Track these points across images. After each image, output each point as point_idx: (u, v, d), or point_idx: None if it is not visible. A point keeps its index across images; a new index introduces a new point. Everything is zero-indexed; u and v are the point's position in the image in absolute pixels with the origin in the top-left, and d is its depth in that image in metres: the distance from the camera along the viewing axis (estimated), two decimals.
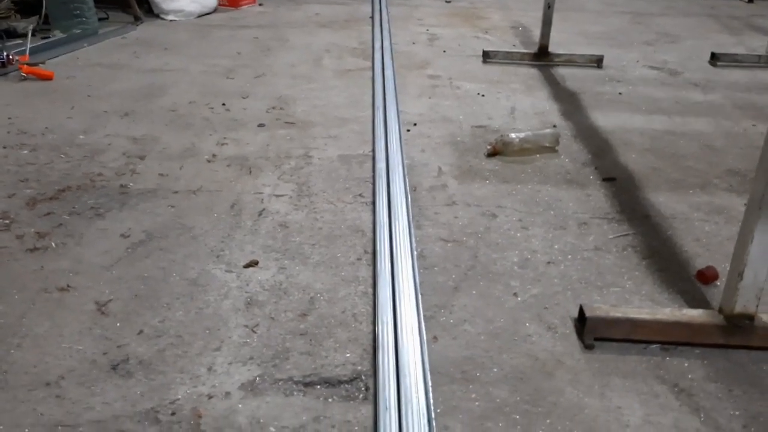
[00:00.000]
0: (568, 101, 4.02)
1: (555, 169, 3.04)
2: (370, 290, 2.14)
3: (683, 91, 4.30)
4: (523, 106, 3.91)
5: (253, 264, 2.27)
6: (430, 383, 1.69)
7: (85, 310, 2.01)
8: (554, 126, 3.47)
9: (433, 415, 1.57)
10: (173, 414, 1.64)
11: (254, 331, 1.94)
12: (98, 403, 1.66)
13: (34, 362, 1.79)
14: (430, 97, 4.05)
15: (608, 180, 2.92)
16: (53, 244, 2.34)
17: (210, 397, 1.70)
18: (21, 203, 2.60)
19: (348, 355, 1.86)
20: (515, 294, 2.14)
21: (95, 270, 2.21)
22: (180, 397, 1.69)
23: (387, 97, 3.84)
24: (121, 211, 2.58)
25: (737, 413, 1.66)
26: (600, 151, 3.26)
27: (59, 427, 1.58)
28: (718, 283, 2.16)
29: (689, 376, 1.78)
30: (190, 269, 2.23)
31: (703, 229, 2.53)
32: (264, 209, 2.64)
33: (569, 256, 2.34)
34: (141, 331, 1.92)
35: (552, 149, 3.20)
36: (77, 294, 2.08)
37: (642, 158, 3.18)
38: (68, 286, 2.11)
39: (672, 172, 3.01)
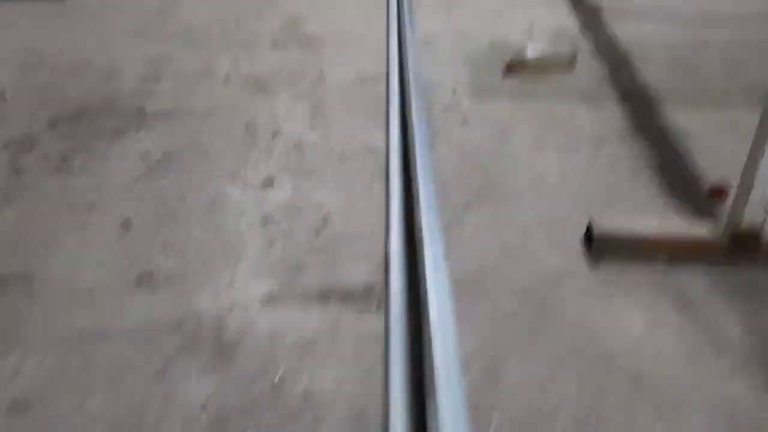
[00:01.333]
0: (589, 16, 3.90)
1: (572, 87, 3.00)
2: (383, 208, 2.19)
3: (711, 3, 4.13)
4: (542, 23, 3.80)
5: (268, 183, 2.33)
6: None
7: (109, 227, 2.10)
8: (573, 44, 3.38)
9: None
10: (196, 324, 1.74)
11: (271, 248, 2.02)
12: (126, 313, 1.77)
13: (64, 276, 1.90)
14: (446, 14, 3.94)
15: (625, 96, 2.88)
16: (76, 165, 2.41)
17: (230, 309, 1.79)
18: (43, 125, 2.66)
19: (362, 269, 1.93)
20: (525, 212, 2.17)
21: (117, 189, 2.28)
22: (202, 310, 1.79)
23: (402, 14, 3.76)
24: (139, 132, 2.63)
25: (737, 325, 1.72)
26: (618, 67, 3.20)
27: (91, 335, 1.70)
28: (729, 200, 2.17)
29: (692, 290, 1.83)
30: (207, 189, 2.29)
31: (718, 145, 2.51)
32: (278, 130, 2.66)
33: (581, 174, 2.36)
34: (163, 248, 2.01)
35: (569, 67, 3.14)
36: (101, 212, 2.16)
37: (660, 74, 3.11)
38: (92, 203, 2.19)
39: (690, 88, 2.96)
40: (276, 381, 1.56)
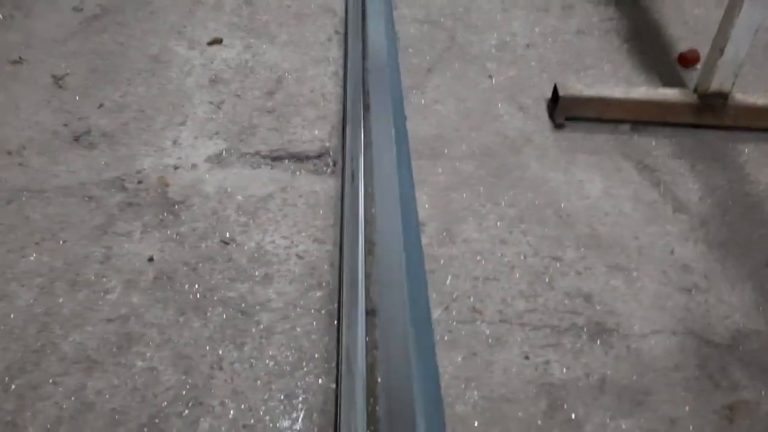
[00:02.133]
0: None
1: None
2: (341, 71, 2.06)
3: None
4: None
5: (217, 41, 2.15)
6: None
7: (40, 83, 1.92)
8: None
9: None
10: (140, 183, 1.64)
11: (220, 108, 1.89)
12: (62, 171, 1.65)
13: None
14: None
15: None
16: (0, 16, 2.17)
17: (176, 168, 1.69)
18: None
19: (316, 132, 1.83)
20: (490, 76, 2.07)
21: (48, 44, 2.07)
22: (146, 167, 1.68)
23: None
24: None
25: (696, 187, 1.70)
26: None
27: (25, 192, 1.58)
28: (699, 67, 2.10)
29: (655, 153, 1.80)
30: (150, 45, 2.11)
31: (693, 12, 2.41)
32: None
33: (549, 39, 2.24)
34: (101, 105, 1.86)
35: None
36: (31, 67, 1.98)
37: None
38: (21, 58, 2.00)
39: None
40: (225, 238, 1.50)
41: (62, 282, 1.39)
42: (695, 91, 1.84)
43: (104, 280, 1.40)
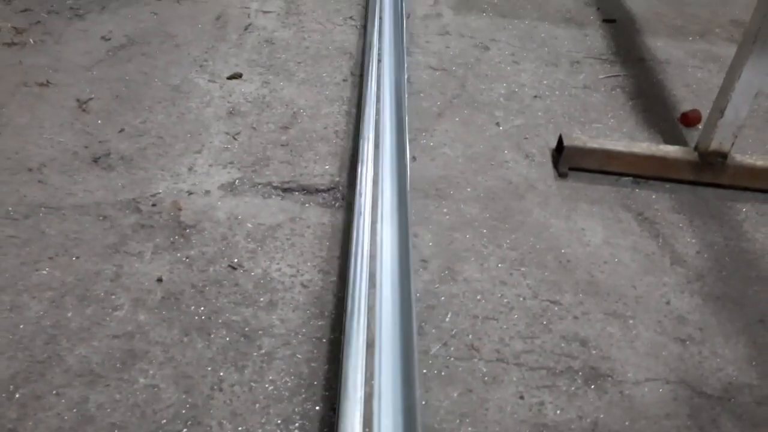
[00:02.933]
0: None
1: (555, 7, 2.92)
2: (354, 110, 2.14)
3: None
4: None
5: (236, 76, 2.24)
6: (407, 195, 1.73)
7: (65, 106, 2.00)
8: None
9: (408, 223, 1.63)
10: (154, 205, 1.69)
11: (235, 139, 1.96)
12: (80, 190, 1.71)
13: (15, 149, 1.81)
14: None
15: (608, 21, 2.82)
16: (31, 41, 2.27)
17: (190, 193, 1.74)
18: None
19: (327, 167, 1.89)
20: (497, 123, 2.14)
21: (75, 69, 2.16)
22: (161, 191, 1.74)
23: None
24: (102, 14, 2.48)
25: (694, 241, 1.74)
26: None
27: (42, 209, 1.64)
28: (700, 127, 2.17)
29: (655, 206, 1.85)
30: (172, 76, 2.19)
31: (696, 75, 2.50)
32: (250, 24, 2.54)
33: (557, 92, 2.32)
34: (122, 130, 1.93)
35: None
36: (57, 90, 2.06)
37: (646, 2, 3.04)
38: (48, 82, 2.08)
39: (674, 18, 2.91)
40: (233, 263, 1.54)
41: (72, 296, 1.42)
42: (696, 149, 1.90)
43: (113, 297, 1.43)
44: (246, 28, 2.51)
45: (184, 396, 1.25)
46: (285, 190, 1.80)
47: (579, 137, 1.95)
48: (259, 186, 1.80)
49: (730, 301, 1.58)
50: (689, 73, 2.51)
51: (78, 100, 2.03)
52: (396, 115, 2.02)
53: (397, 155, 1.87)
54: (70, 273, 1.47)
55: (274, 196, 1.77)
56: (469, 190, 1.86)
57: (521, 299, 1.53)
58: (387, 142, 1.93)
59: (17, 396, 1.22)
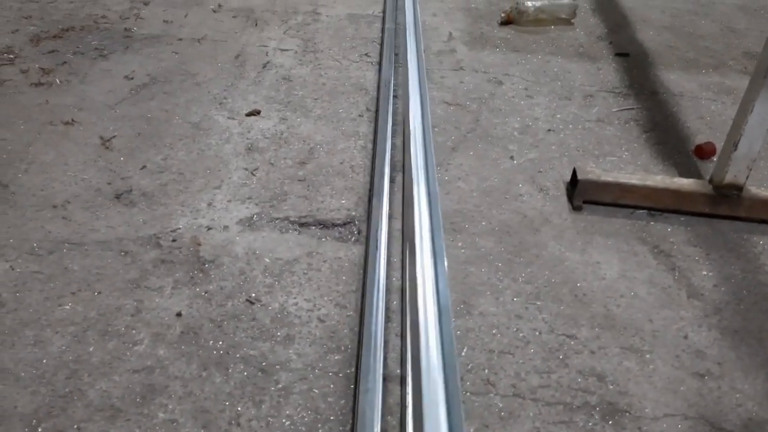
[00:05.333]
0: None
1: (568, 42, 2.96)
2: (370, 145, 2.17)
3: None
4: None
5: (255, 113, 2.29)
6: (436, 229, 1.73)
7: (89, 143, 2.06)
8: None
9: (443, 258, 1.65)
10: (174, 241, 1.72)
11: (254, 174, 2.00)
12: (102, 226, 1.75)
13: (41, 186, 1.86)
14: None
15: (621, 55, 2.86)
16: (57, 81, 2.35)
17: (209, 228, 1.78)
18: (25, 39, 2.58)
19: (343, 201, 1.92)
20: (512, 157, 2.16)
21: (99, 107, 2.23)
22: (181, 226, 1.77)
23: None
24: (125, 54, 2.56)
25: (710, 274, 1.74)
26: (617, 26, 3.16)
27: (66, 244, 1.68)
28: (715, 159, 2.17)
29: (670, 239, 1.85)
30: (192, 113, 2.25)
31: (710, 108, 2.51)
32: (268, 62, 2.61)
33: (570, 126, 2.35)
34: (144, 167, 1.98)
35: (568, 21, 3.10)
36: (82, 128, 2.12)
37: (659, 36, 3.08)
38: (73, 120, 2.15)
39: (687, 52, 2.93)
40: (250, 298, 1.56)
41: (94, 331, 1.45)
42: (710, 182, 1.91)
43: (133, 332, 1.46)
44: (264, 66, 2.58)
45: (202, 431, 1.26)
46: (302, 225, 1.82)
47: (593, 170, 1.97)
48: (277, 221, 1.83)
49: (748, 335, 1.57)
50: (703, 106, 2.53)
51: (101, 138, 2.09)
52: (424, 150, 2.02)
53: (427, 184, 1.86)
54: (93, 308, 1.51)
55: (291, 231, 1.80)
56: (483, 223, 1.87)
57: (537, 333, 1.53)
58: (408, 178, 1.95)
59: (39, 430, 1.24)
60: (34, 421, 1.26)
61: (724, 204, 1.88)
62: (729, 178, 1.85)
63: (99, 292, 1.55)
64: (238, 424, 1.28)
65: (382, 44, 2.78)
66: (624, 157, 2.19)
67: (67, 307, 1.50)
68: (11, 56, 2.46)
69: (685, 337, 1.54)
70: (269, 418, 1.30)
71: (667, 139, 2.30)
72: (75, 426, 1.25)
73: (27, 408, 1.28)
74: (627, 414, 1.36)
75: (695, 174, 2.12)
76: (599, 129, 2.34)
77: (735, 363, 1.49)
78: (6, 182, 1.86)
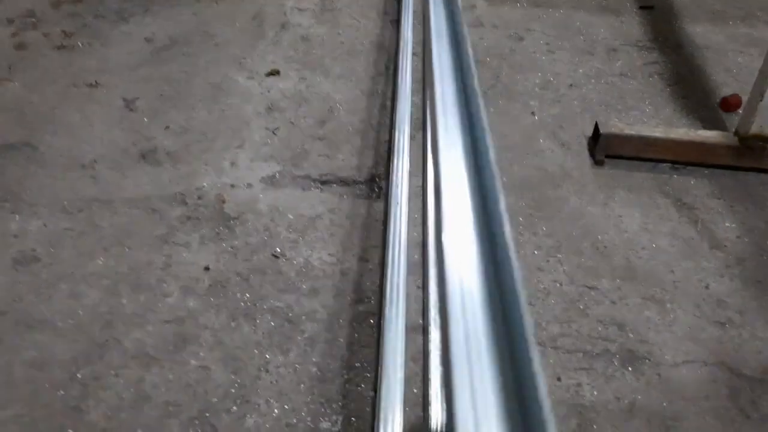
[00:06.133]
0: None
1: None
2: (389, 103, 2.17)
3: None
4: None
5: (274, 73, 2.30)
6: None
7: (113, 105, 2.09)
8: None
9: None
10: (199, 198, 1.76)
11: (275, 134, 2.02)
12: (130, 185, 1.79)
13: (68, 147, 1.90)
14: None
15: (645, 8, 2.79)
16: (80, 44, 2.37)
17: (233, 186, 1.81)
18: (45, 3, 2.60)
19: (364, 159, 1.93)
20: (533, 113, 2.15)
21: (121, 70, 2.25)
22: (205, 184, 1.81)
23: None
24: (145, 17, 2.57)
25: (733, 225, 1.73)
26: None
27: (95, 202, 1.72)
28: (740, 111, 2.14)
29: (693, 192, 1.84)
30: (213, 74, 2.26)
31: (736, 60, 2.46)
32: (286, 21, 2.60)
33: (593, 80, 2.32)
34: (167, 127, 2.01)
35: None
36: (105, 91, 2.15)
37: None
38: (96, 82, 2.18)
39: (714, 3, 2.86)
40: (275, 252, 1.60)
41: (126, 285, 1.50)
42: (735, 133, 1.88)
43: (164, 285, 1.50)
44: (282, 26, 2.57)
45: (233, 377, 1.31)
46: (324, 183, 1.85)
47: (615, 124, 1.95)
48: (299, 179, 1.85)
49: None
50: (729, 58, 2.47)
51: (125, 100, 2.11)
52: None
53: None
54: (123, 263, 1.55)
55: (313, 189, 1.82)
56: (504, 179, 1.87)
57: (558, 285, 1.55)
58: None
59: (79, 376, 1.30)
60: (73, 367, 1.32)
61: (749, 156, 1.86)
62: (755, 129, 1.82)
63: (129, 248, 1.59)
64: (267, 371, 1.33)
65: (400, 1, 2.75)
66: (647, 111, 2.17)
67: (99, 261, 1.55)
68: (33, 20, 2.48)
69: (707, 287, 1.55)
70: (296, 365, 1.34)
71: (692, 93, 2.27)
72: (112, 372, 1.31)
73: (66, 355, 1.34)
74: (647, 361, 1.38)
75: (720, 127, 2.09)
76: (622, 83, 2.31)
77: (756, 312, 1.50)
78: (35, 144, 1.90)
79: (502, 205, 0.62)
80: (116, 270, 1.53)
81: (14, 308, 1.44)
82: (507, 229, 0.59)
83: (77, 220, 1.67)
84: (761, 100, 1.78)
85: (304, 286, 1.52)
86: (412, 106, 2.11)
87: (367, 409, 1.27)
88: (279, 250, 1.61)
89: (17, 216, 1.66)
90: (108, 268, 1.54)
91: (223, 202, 1.75)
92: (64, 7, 2.59)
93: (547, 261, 1.61)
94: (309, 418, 1.25)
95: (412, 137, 1.98)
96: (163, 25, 2.53)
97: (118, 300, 1.46)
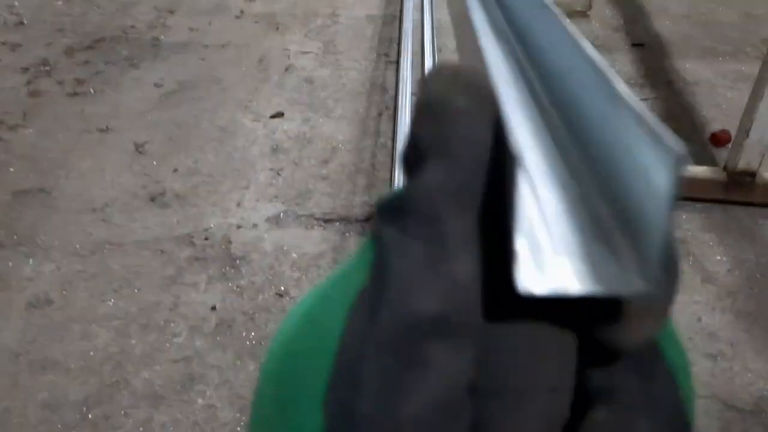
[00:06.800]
0: None
1: (584, 33, 2.99)
2: (390, 143, 2.25)
3: None
4: None
5: (279, 115, 2.38)
6: None
7: (124, 149, 2.17)
8: None
9: None
10: (206, 239, 1.82)
11: (279, 174, 2.09)
12: (139, 227, 1.86)
13: (80, 191, 1.98)
14: None
15: (637, 45, 2.89)
16: (92, 90, 2.47)
17: (239, 227, 1.87)
18: (59, 52, 2.71)
19: (366, 198, 2.00)
20: None
21: (132, 114, 2.34)
22: (212, 225, 1.87)
23: None
24: (154, 62, 2.68)
25: (724, 259, 1.78)
26: (633, 17, 3.18)
27: (106, 245, 1.79)
28: (730, 146, 2.20)
29: (685, 226, 1.89)
30: (220, 117, 2.35)
31: (726, 95, 2.53)
32: (290, 65, 2.70)
33: None
34: (176, 170, 2.08)
35: (583, 13, 3.13)
36: (116, 135, 2.24)
37: (676, 25, 3.10)
38: (107, 127, 2.27)
39: (704, 40, 2.95)
40: (279, 291, 1.65)
41: (135, 325, 1.56)
42: (724, 169, 1.94)
43: (172, 325, 1.56)
44: (286, 69, 2.67)
45: (238, 415, 1.35)
46: (327, 221, 1.91)
47: None
48: (303, 218, 1.91)
49: (762, 317, 1.61)
50: (719, 94, 2.55)
51: (135, 144, 2.20)
52: None
53: None
54: (133, 303, 1.61)
55: (316, 227, 1.88)
56: None
57: None
58: None
59: (90, 416, 1.35)
60: (84, 408, 1.37)
61: (739, 190, 1.91)
62: (742, 164, 1.88)
63: (139, 289, 1.65)
64: None
65: (399, 43, 2.85)
66: None
67: (110, 303, 1.61)
68: (47, 68, 2.59)
69: (699, 320, 1.59)
70: None
71: (683, 129, 2.33)
72: (122, 412, 1.36)
73: (77, 396, 1.39)
74: None
75: (710, 162, 2.15)
76: None
77: (747, 344, 1.54)
78: (49, 189, 1.98)
79: None
80: (126, 311, 1.59)
81: (28, 350, 1.49)
82: None
83: (89, 262, 1.73)
84: (747, 138, 1.84)
85: None
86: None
87: None
88: (283, 289, 1.66)
89: (31, 260, 1.72)
90: (118, 309, 1.60)
91: (230, 242, 1.82)
92: (77, 54, 2.70)
93: None
94: None
95: None
96: (171, 70, 2.63)
97: (127, 341, 1.51)
